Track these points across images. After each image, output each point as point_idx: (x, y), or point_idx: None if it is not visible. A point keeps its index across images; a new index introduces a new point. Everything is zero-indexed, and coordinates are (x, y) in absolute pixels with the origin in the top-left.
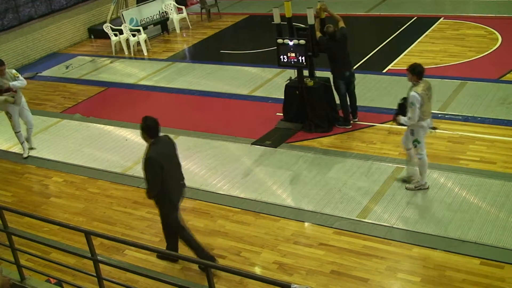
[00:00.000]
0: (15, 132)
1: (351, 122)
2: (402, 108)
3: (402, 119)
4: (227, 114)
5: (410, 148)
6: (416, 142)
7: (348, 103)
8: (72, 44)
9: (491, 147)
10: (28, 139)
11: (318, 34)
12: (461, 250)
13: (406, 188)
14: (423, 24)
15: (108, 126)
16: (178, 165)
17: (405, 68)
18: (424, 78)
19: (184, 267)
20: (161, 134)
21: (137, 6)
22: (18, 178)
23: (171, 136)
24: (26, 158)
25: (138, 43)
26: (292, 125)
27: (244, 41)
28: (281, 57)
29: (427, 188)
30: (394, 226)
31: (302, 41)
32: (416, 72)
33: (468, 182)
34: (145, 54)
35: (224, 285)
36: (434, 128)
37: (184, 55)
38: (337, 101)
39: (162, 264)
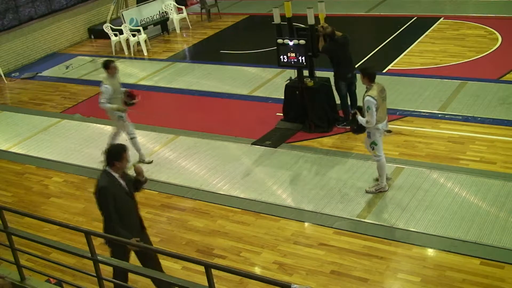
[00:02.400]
0: (132, 138)
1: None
2: (355, 120)
3: (360, 119)
4: (227, 114)
5: (370, 151)
6: (373, 145)
7: (349, 104)
8: (72, 44)
9: (491, 147)
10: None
11: (321, 43)
12: (461, 250)
13: (366, 192)
14: (423, 24)
15: (108, 126)
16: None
17: (405, 68)
18: (377, 81)
19: (184, 267)
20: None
21: (137, 6)
22: (18, 178)
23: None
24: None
25: (138, 43)
26: (292, 125)
27: (244, 41)
28: (281, 57)
29: (387, 190)
30: (394, 226)
31: (302, 41)
32: (366, 74)
33: (468, 182)
34: (145, 54)
35: (224, 285)
36: (389, 131)
37: (184, 55)
38: (337, 101)
39: (163, 264)
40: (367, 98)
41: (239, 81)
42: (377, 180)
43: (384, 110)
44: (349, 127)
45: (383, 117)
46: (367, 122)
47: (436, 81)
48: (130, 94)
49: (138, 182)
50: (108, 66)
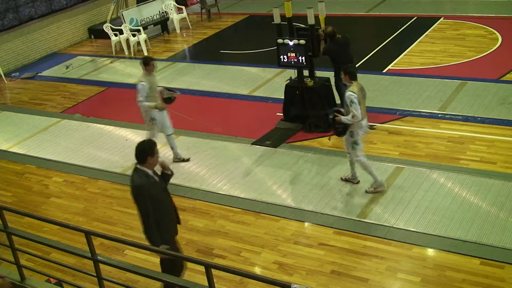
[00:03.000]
0: (167, 135)
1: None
2: (335, 122)
3: (344, 118)
4: (227, 114)
5: (350, 152)
6: (355, 144)
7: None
8: (72, 44)
9: (491, 147)
10: (173, 147)
11: (323, 45)
12: (461, 250)
13: (366, 192)
14: (423, 24)
15: (108, 126)
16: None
17: (405, 68)
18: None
19: None
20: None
21: (137, 6)
22: (18, 178)
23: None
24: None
25: (138, 43)
26: (292, 125)
27: (244, 41)
28: (281, 57)
29: (385, 186)
30: (394, 226)
31: (302, 41)
32: (348, 72)
33: (468, 182)
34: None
35: (224, 285)
36: (372, 127)
37: (184, 55)
38: (338, 101)
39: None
40: (348, 93)
41: (239, 81)
42: (346, 180)
43: (365, 108)
44: (333, 131)
45: (364, 114)
46: (353, 117)
47: (436, 81)
48: (170, 90)
49: (166, 176)
50: (147, 63)
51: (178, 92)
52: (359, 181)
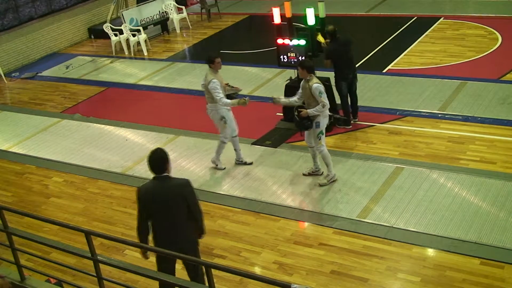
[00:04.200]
0: (224, 143)
1: (351, 122)
2: (300, 116)
3: (311, 110)
4: None
5: (313, 145)
6: (320, 134)
7: (349, 103)
8: (72, 44)
9: (491, 147)
10: (237, 149)
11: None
12: (461, 250)
13: (320, 185)
14: (423, 24)
15: (108, 126)
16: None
17: (405, 68)
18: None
19: (184, 267)
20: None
21: (137, 6)
22: (18, 178)
23: (170, 136)
24: (224, 168)
25: (138, 43)
26: (292, 125)
27: (244, 41)
28: (281, 57)
29: (336, 179)
30: (394, 226)
31: (302, 41)
32: (305, 67)
33: (468, 182)
34: (145, 54)
35: (224, 285)
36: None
37: (184, 55)
38: (338, 101)
39: None
40: (315, 85)
41: (239, 81)
42: (309, 174)
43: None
44: (297, 128)
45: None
46: (324, 106)
47: (436, 81)
48: (232, 87)
49: None
50: (213, 60)
51: (240, 88)
52: (322, 172)
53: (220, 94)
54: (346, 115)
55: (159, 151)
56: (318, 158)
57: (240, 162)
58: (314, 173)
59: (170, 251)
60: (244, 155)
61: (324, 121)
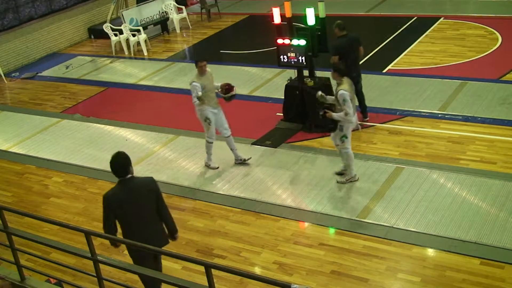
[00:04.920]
0: (209, 142)
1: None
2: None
3: (335, 114)
4: (227, 114)
5: (338, 144)
6: (344, 138)
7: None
8: (72, 44)
9: (491, 147)
10: (233, 149)
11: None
12: (461, 250)
13: (338, 182)
14: (423, 24)
15: (108, 126)
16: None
17: (405, 68)
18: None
19: (184, 267)
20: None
21: (137, 6)
22: (18, 178)
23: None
24: (217, 167)
25: (138, 43)
26: (292, 125)
27: (244, 41)
28: (281, 57)
29: (357, 179)
30: (394, 226)
31: (302, 41)
32: (336, 69)
33: (468, 182)
34: (145, 54)
35: (224, 285)
36: (357, 129)
37: (184, 55)
38: None
39: (163, 264)
40: (341, 92)
41: (239, 81)
42: (339, 174)
43: (354, 105)
44: (325, 129)
45: (354, 111)
46: (346, 114)
47: (436, 81)
48: (228, 88)
49: None
50: (196, 64)
51: (234, 90)
52: (356, 175)
53: (194, 97)
54: None
55: (121, 154)
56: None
57: (239, 162)
58: (343, 172)
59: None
60: (242, 152)
61: (348, 126)
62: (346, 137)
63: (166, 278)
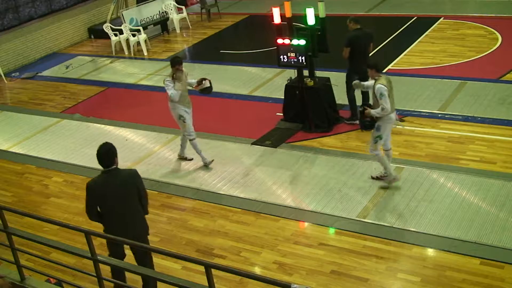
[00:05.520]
0: (191, 140)
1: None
2: (363, 115)
3: (373, 111)
4: (227, 114)
5: (389, 148)
6: (378, 138)
7: (362, 101)
8: (72, 44)
9: (491, 147)
10: (183, 146)
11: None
12: (461, 250)
13: (381, 187)
14: (423, 24)
15: (108, 126)
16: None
17: (405, 68)
18: (383, 73)
19: (184, 267)
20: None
21: (137, 6)
22: (18, 178)
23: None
24: (212, 160)
25: (138, 43)
26: (292, 125)
27: (244, 41)
28: (281, 57)
29: (399, 179)
30: (394, 226)
31: (302, 41)
32: (372, 66)
33: (468, 182)
34: (145, 54)
35: (224, 285)
36: (401, 120)
37: (184, 55)
38: (338, 101)
39: (162, 264)
40: (378, 86)
41: (239, 81)
42: (377, 178)
43: (393, 101)
44: (359, 124)
45: (393, 107)
46: (382, 109)
47: (436, 81)
48: (200, 81)
49: None
50: (175, 64)
51: (205, 82)
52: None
53: (169, 91)
54: (353, 110)
55: (108, 145)
56: (389, 160)
57: (181, 158)
58: (383, 177)
59: (126, 238)
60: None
61: (385, 127)
62: (380, 138)
63: (166, 278)
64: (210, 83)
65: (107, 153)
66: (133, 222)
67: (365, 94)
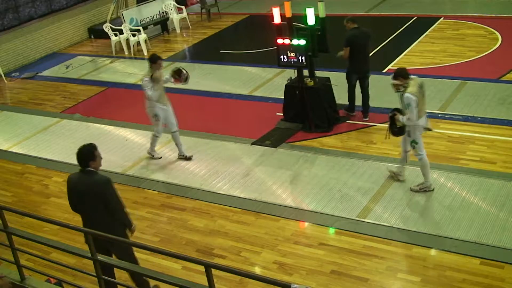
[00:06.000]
0: (156, 136)
1: (353, 118)
2: (393, 120)
3: (401, 118)
4: (227, 114)
5: (408, 150)
6: (414, 143)
7: (362, 101)
8: (72, 44)
9: (491, 147)
10: (178, 144)
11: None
12: (461, 250)
13: (411, 189)
14: (423, 24)
15: (108, 126)
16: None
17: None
18: (413, 76)
19: (184, 266)
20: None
21: (137, 6)
22: (18, 178)
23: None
24: (160, 157)
25: (138, 43)
26: (292, 125)
27: (244, 41)
28: (281, 57)
29: (432, 190)
30: (394, 226)
31: (302, 41)
32: (398, 75)
33: (468, 182)
34: (145, 54)
35: (224, 285)
36: (429, 129)
37: (184, 55)
38: (337, 101)
39: (163, 264)
40: (406, 95)
41: (239, 81)
42: (391, 177)
43: (424, 106)
44: (388, 130)
45: (422, 113)
46: (408, 119)
47: (436, 81)
48: (177, 72)
49: None
50: (155, 62)
51: (182, 78)
52: (404, 179)
53: (149, 91)
54: (351, 103)
55: (86, 146)
56: (404, 163)
57: (182, 157)
58: (396, 176)
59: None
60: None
61: (415, 131)
62: (416, 143)
63: (166, 278)
64: (185, 70)
65: (81, 155)
66: (95, 226)
67: (365, 93)
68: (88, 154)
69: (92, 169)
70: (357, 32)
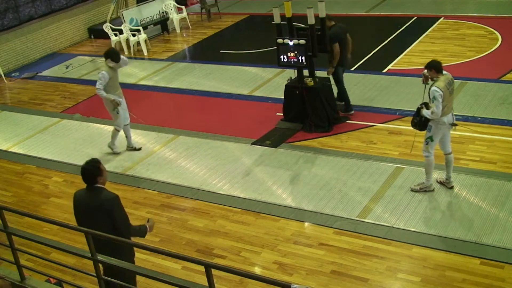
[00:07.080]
0: (117, 130)
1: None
2: (419, 112)
3: (425, 112)
4: (227, 114)
5: (449, 152)
6: (429, 139)
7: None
8: (72, 44)
9: (491, 147)
10: (128, 136)
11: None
12: (461, 250)
13: (411, 189)
14: (423, 24)
15: (108, 126)
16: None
17: (405, 68)
18: (445, 72)
19: (184, 267)
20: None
21: (137, 6)
22: (18, 178)
23: (170, 136)
24: (119, 153)
25: (138, 43)
26: (292, 125)
27: (244, 41)
28: (281, 57)
29: (433, 190)
30: (394, 226)
31: (302, 41)
32: (431, 66)
33: (468, 182)
34: (145, 54)
35: (224, 285)
36: (454, 125)
37: (184, 55)
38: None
39: (163, 264)
40: (433, 88)
41: (239, 81)
42: (442, 183)
43: (450, 103)
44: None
45: (449, 110)
46: (432, 113)
47: None
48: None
49: None
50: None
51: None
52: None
53: (100, 85)
54: (346, 101)
55: (90, 163)
56: (450, 166)
57: (130, 148)
58: (445, 182)
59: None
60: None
61: (436, 129)
62: (432, 140)
63: (166, 278)
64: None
65: (88, 172)
66: (102, 245)
67: (341, 88)
68: (94, 170)
69: (100, 185)
70: (338, 28)
